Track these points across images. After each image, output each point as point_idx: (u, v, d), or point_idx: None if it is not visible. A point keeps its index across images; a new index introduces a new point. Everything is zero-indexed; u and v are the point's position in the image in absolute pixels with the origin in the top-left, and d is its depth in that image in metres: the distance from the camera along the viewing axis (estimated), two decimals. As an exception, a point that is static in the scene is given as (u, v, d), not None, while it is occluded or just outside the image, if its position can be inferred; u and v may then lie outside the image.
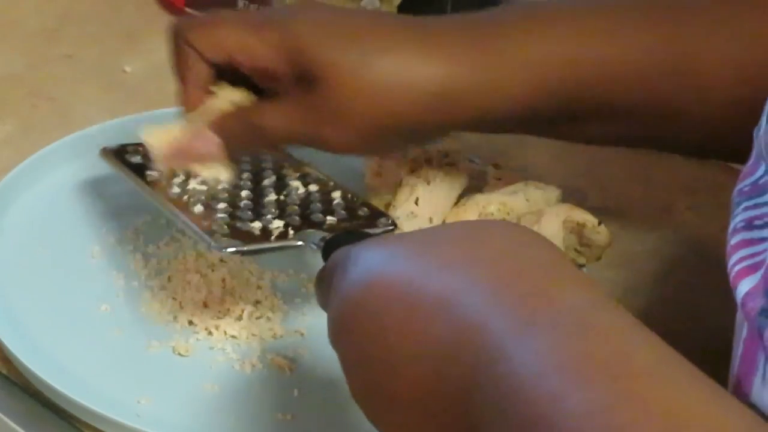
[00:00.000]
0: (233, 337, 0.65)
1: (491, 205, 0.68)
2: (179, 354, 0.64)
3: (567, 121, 0.64)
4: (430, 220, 0.68)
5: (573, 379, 0.38)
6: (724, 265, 0.46)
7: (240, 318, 0.66)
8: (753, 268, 0.43)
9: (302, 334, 0.66)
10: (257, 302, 0.67)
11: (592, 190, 0.79)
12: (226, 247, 0.60)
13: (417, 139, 0.67)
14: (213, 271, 0.68)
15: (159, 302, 0.67)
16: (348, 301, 0.46)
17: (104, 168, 0.72)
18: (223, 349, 0.64)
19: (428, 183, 0.69)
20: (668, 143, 0.67)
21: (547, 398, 0.38)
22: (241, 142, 0.65)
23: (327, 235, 0.60)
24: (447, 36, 0.62)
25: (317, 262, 0.58)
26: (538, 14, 0.64)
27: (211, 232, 0.61)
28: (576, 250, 0.69)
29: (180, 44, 0.65)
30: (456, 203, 0.69)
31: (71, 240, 0.71)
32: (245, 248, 0.61)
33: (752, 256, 0.44)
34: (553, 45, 0.62)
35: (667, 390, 0.37)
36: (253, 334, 0.65)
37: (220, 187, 0.66)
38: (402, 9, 0.96)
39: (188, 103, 0.65)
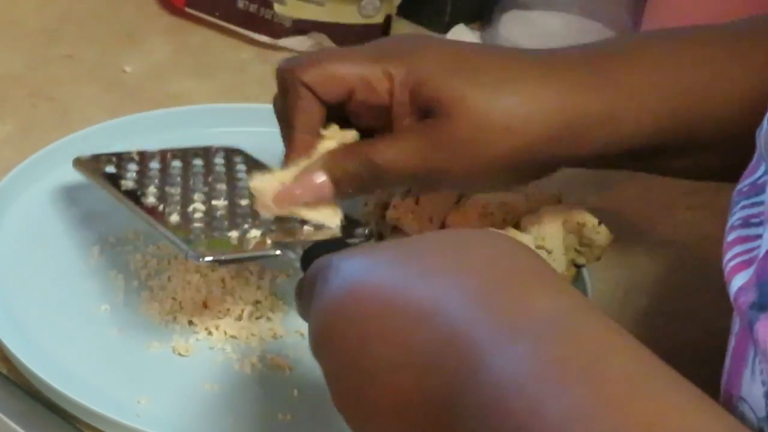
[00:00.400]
0: (233, 337, 0.65)
1: (491, 205, 0.68)
2: (179, 354, 0.64)
3: (684, 153, 0.63)
4: (430, 220, 0.68)
5: (552, 387, 0.38)
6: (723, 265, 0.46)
7: (240, 318, 0.66)
8: (747, 264, 0.43)
9: (302, 334, 0.66)
10: (257, 302, 0.67)
11: (592, 190, 0.79)
12: (204, 257, 0.60)
13: (540, 172, 0.64)
14: (213, 271, 0.68)
15: (159, 302, 0.67)
16: (329, 309, 0.46)
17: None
18: (223, 349, 0.65)
19: (428, 183, 0.69)
20: None
21: (526, 407, 0.38)
22: (354, 182, 0.61)
23: (305, 243, 0.60)
24: (570, 66, 0.61)
25: (288, 264, 0.58)
26: (660, 44, 0.63)
27: (188, 241, 0.61)
28: (576, 250, 0.69)
29: (293, 84, 0.61)
30: (456, 203, 0.69)
31: (71, 240, 0.71)
32: (223, 257, 0.60)
33: (747, 252, 0.44)
34: (678, 76, 0.61)
35: (646, 396, 0.37)
36: (253, 334, 0.65)
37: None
38: (402, 9, 0.96)
39: (299, 149, 0.61)
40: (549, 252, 0.66)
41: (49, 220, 0.72)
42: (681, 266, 0.75)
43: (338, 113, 0.62)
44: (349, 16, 0.93)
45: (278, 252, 0.61)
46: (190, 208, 0.64)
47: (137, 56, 0.91)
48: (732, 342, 0.45)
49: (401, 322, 0.43)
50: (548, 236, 0.67)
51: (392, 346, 0.43)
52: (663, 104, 0.61)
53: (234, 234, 0.62)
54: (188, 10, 0.96)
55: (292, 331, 0.66)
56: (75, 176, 0.75)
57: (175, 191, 0.66)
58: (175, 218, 0.63)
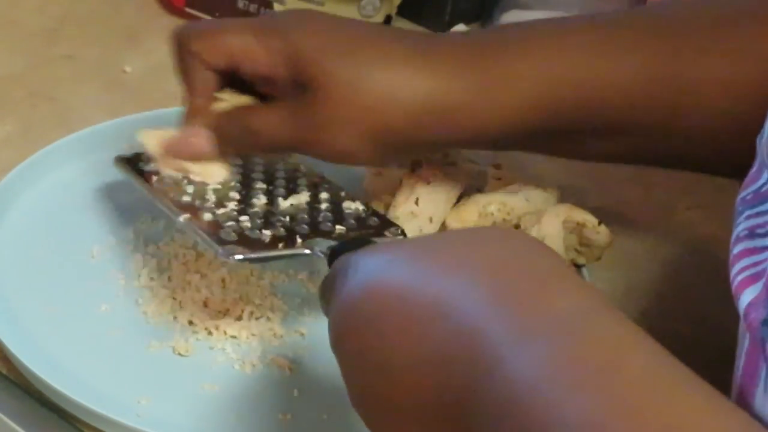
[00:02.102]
0: (233, 337, 0.65)
1: (491, 205, 0.68)
2: (179, 354, 0.64)
3: (562, 140, 0.65)
4: (430, 220, 0.68)
5: (568, 388, 0.38)
6: (724, 266, 0.46)
7: (240, 318, 0.66)
8: (755, 278, 0.43)
9: (302, 335, 0.66)
10: (257, 302, 0.67)
11: (592, 190, 0.79)
12: (234, 255, 0.60)
13: (409, 152, 0.67)
14: (213, 271, 0.68)
15: (159, 302, 0.67)
16: (347, 306, 0.46)
17: (104, 168, 0.72)
18: (223, 349, 0.65)
19: (428, 183, 0.69)
20: (664, 160, 0.67)
21: (542, 407, 0.37)
22: (234, 143, 0.65)
23: (334, 243, 0.61)
24: (444, 53, 0.63)
25: (319, 263, 0.58)
26: (536, 32, 0.64)
27: (220, 240, 0.61)
28: (576, 250, 0.69)
29: (183, 52, 0.65)
30: (456, 203, 0.69)
31: (71, 240, 0.71)
32: (253, 256, 0.61)
33: (754, 265, 0.44)
34: (548, 64, 0.62)
35: (662, 398, 0.37)
36: (253, 334, 0.65)
37: (212, 185, 0.66)
38: (402, 9, 0.96)
39: (194, 110, 0.65)
40: (549, 252, 0.66)
41: (48, 220, 0.72)
42: (681, 266, 0.75)
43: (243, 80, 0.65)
44: (348, 15, 0.93)
45: (307, 251, 0.61)
46: (226, 207, 0.64)
47: (137, 56, 0.91)
48: (742, 359, 0.44)
49: (417, 320, 0.43)
50: (548, 236, 0.67)
51: (408, 344, 0.43)
52: (539, 91, 0.62)
53: (266, 233, 0.62)
54: (188, 10, 0.96)
55: (292, 331, 0.66)
56: (75, 176, 0.75)
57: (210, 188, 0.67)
58: (208, 216, 0.64)
